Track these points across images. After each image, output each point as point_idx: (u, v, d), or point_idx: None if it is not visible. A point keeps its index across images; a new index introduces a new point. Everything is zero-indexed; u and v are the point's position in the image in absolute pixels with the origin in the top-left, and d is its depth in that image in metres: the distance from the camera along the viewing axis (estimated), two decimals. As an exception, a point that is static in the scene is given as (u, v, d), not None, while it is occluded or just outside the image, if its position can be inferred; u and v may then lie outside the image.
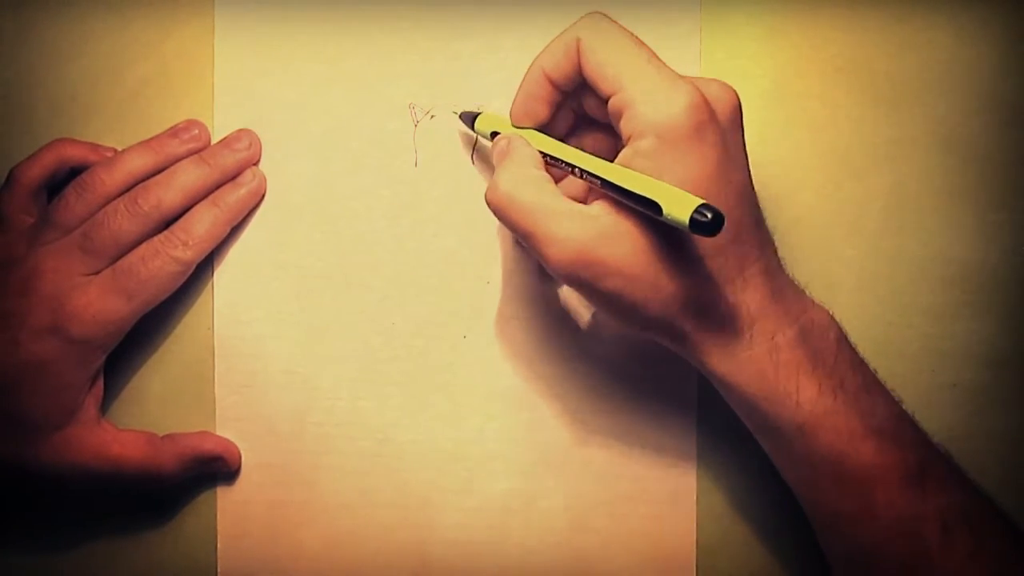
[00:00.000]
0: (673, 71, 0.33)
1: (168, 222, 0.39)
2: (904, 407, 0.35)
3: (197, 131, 0.41)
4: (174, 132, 0.41)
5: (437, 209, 0.41)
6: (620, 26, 0.34)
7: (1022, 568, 0.32)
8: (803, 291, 0.35)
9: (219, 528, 0.42)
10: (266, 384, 0.42)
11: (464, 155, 0.41)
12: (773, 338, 0.33)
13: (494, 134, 0.38)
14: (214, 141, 0.41)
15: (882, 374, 0.35)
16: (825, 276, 0.37)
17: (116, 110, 0.42)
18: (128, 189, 0.39)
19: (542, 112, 0.36)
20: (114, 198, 0.39)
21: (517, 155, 0.35)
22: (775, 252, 0.35)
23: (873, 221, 0.40)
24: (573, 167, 0.34)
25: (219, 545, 0.42)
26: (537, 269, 0.41)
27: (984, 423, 0.40)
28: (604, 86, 0.33)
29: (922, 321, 0.40)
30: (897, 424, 0.34)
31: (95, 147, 0.41)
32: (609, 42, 0.33)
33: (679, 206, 0.29)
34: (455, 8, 0.41)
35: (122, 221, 0.38)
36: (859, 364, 0.34)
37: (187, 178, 0.40)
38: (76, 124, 0.42)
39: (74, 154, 0.41)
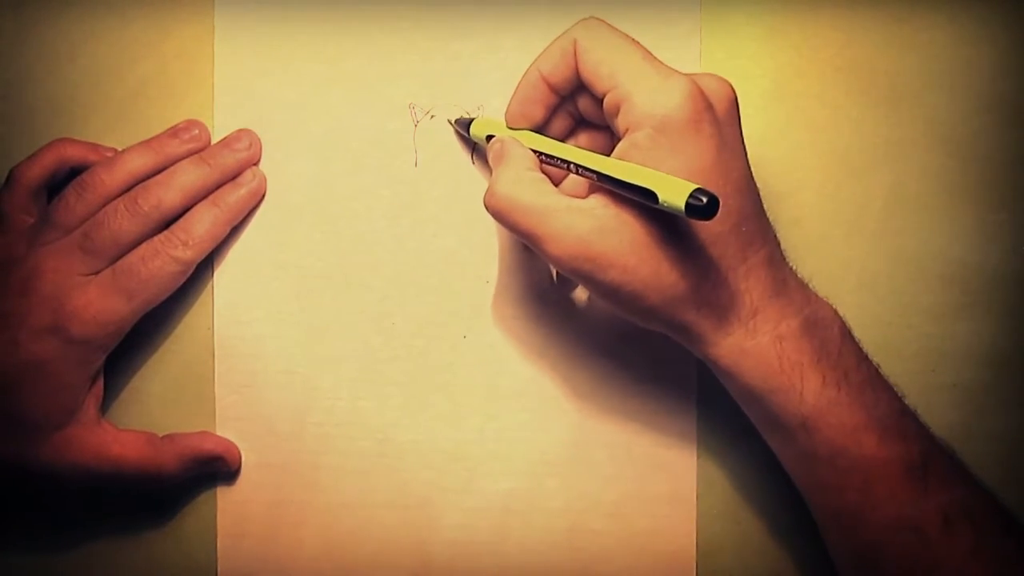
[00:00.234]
0: (669, 67, 0.33)
1: (168, 222, 0.39)
2: (907, 403, 0.35)
3: (197, 131, 0.41)
4: (174, 132, 0.41)
5: (437, 209, 0.41)
6: (615, 28, 0.34)
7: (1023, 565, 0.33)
8: (806, 284, 0.35)
9: (219, 528, 0.42)
10: (266, 384, 0.42)
11: (464, 155, 0.41)
12: (777, 328, 0.33)
13: (490, 137, 0.38)
14: (214, 141, 0.41)
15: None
16: (825, 276, 0.37)
17: (116, 110, 0.42)
18: (128, 189, 0.39)
19: (537, 114, 0.37)
20: (114, 198, 0.39)
21: (512, 157, 0.35)
22: (778, 244, 0.35)
23: (873, 221, 0.40)
24: (569, 163, 0.34)
25: (219, 545, 0.42)
26: (537, 269, 0.41)
27: (984, 423, 0.40)
28: (600, 84, 0.33)
29: (922, 321, 0.40)
30: (900, 418, 0.34)
31: (95, 147, 0.41)
32: (605, 42, 0.34)
33: (674, 192, 0.29)
34: (455, 8, 0.41)
35: (122, 221, 0.38)
36: (863, 358, 0.35)
37: (187, 178, 0.40)
38: (76, 124, 0.42)
39: (74, 154, 0.41)
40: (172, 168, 0.40)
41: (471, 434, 0.41)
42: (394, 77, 0.41)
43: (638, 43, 0.34)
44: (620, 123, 0.33)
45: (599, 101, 0.34)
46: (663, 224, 0.32)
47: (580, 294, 0.41)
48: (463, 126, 0.40)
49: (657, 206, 0.30)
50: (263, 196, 0.42)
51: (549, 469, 0.41)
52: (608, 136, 0.37)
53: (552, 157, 0.35)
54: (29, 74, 0.42)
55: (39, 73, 0.42)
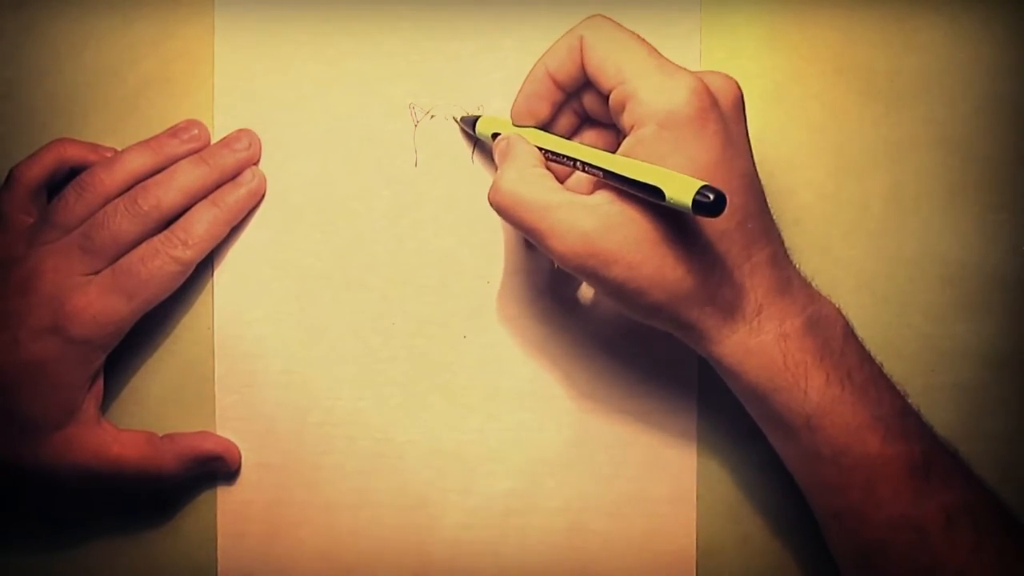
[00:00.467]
0: (675, 64, 0.33)
1: (168, 222, 0.39)
2: (909, 402, 0.35)
3: (197, 131, 0.41)
4: (174, 132, 0.41)
5: (437, 209, 0.41)
6: (622, 26, 0.34)
7: None
8: (810, 283, 0.35)
9: (219, 528, 0.42)
10: (266, 384, 0.42)
11: (464, 155, 0.41)
12: (781, 327, 0.33)
13: (495, 135, 0.38)
14: (214, 141, 0.41)
15: (882, 373, 0.35)
16: (825, 276, 0.37)
17: (116, 110, 0.42)
18: (128, 189, 0.39)
19: (543, 111, 0.37)
20: (114, 198, 0.39)
21: (517, 154, 0.35)
22: (782, 243, 0.35)
23: (873, 221, 0.40)
24: (574, 160, 0.34)
25: (219, 545, 0.42)
26: (537, 269, 0.41)
27: (984, 423, 0.40)
28: (606, 80, 0.34)
29: (922, 321, 0.40)
30: (903, 418, 0.34)
31: (95, 147, 0.41)
32: (611, 39, 0.34)
33: (681, 189, 0.29)
34: (455, 8, 0.41)
35: (122, 221, 0.38)
36: (866, 357, 0.35)
37: (187, 178, 0.40)
38: (76, 124, 0.42)
39: (74, 154, 0.41)
40: (172, 168, 0.40)
41: (471, 434, 0.41)
42: (394, 77, 0.41)
43: (644, 40, 0.34)
44: (626, 120, 0.33)
45: (605, 98, 0.34)
46: (668, 221, 0.32)
47: (580, 294, 0.41)
48: (468, 124, 0.40)
49: (663, 203, 0.30)
50: (263, 196, 0.42)
51: (549, 469, 0.41)
52: (613, 134, 0.37)
53: (558, 154, 0.35)
54: (30, 74, 0.42)
55: (40, 73, 0.42)
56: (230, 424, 0.42)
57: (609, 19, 0.34)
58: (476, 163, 0.41)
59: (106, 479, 0.39)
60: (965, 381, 0.40)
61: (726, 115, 0.33)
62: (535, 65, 0.36)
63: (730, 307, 0.33)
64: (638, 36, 0.34)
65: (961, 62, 0.40)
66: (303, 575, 0.42)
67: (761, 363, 0.33)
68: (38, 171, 0.40)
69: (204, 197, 0.40)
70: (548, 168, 0.35)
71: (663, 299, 0.33)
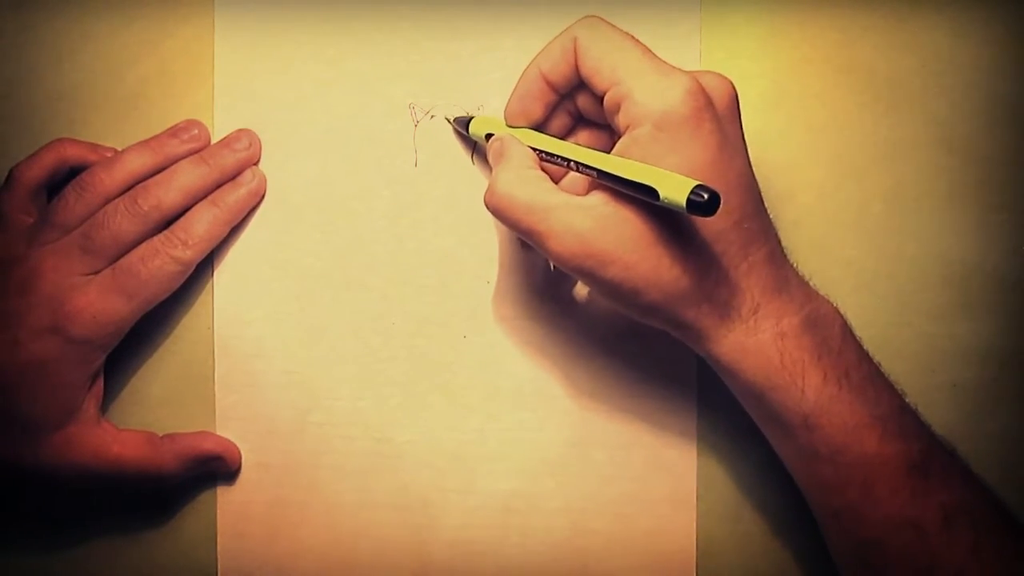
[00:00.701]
0: (669, 64, 0.33)
1: (168, 222, 0.39)
2: (907, 401, 0.35)
3: (197, 131, 0.41)
4: (174, 132, 0.41)
5: (437, 209, 0.41)
6: (616, 27, 0.34)
7: (1023, 563, 0.32)
8: (807, 282, 0.35)
9: (219, 528, 0.42)
10: (266, 384, 0.42)
11: (464, 155, 0.41)
12: (778, 325, 0.33)
13: (489, 136, 0.38)
14: (214, 141, 0.41)
15: (882, 373, 0.35)
16: (825, 276, 0.37)
17: (116, 110, 0.42)
18: (128, 189, 0.39)
19: (537, 112, 0.37)
20: (114, 198, 0.39)
21: (511, 155, 0.35)
22: (779, 242, 0.35)
23: (873, 221, 0.40)
24: (569, 161, 0.34)
25: (219, 545, 0.42)
26: (537, 269, 0.41)
27: (984, 423, 0.40)
28: (600, 81, 0.34)
29: (922, 321, 0.40)
30: (901, 416, 0.34)
31: (95, 147, 0.41)
32: (605, 40, 0.34)
33: (675, 189, 0.29)
34: (455, 8, 0.41)
35: (122, 221, 0.38)
36: (864, 356, 0.35)
37: (187, 178, 0.40)
38: (76, 124, 0.42)
39: (74, 154, 0.41)
40: (172, 168, 0.40)
41: (471, 434, 0.41)
42: (394, 77, 0.41)
43: (638, 41, 0.34)
44: (621, 120, 0.33)
45: (599, 99, 0.34)
46: (664, 221, 0.32)
47: (580, 294, 0.41)
48: (462, 124, 0.40)
49: (658, 203, 0.30)
50: (263, 196, 0.42)
51: (549, 469, 0.41)
52: (607, 135, 0.37)
53: (552, 155, 0.35)
54: (30, 74, 0.42)
55: (39, 73, 0.42)
56: (230, 424, 0.42)
57: (603, 20, 0.34)
58: (476, 163, 0.41)
59: (106, 479, 0.39)
60: (965, 381, 0.40)
61: (721, 115, 0.33)
62: (528, 66, 0.36)
63: (727, 306, 0.33)
64: (632, 37, 0.34)
65: (961, 62, 0.40)
66: (303, 575, 0.42)
67: (758, 362, 0.33)
68: (38, 171, 0.40)
69: (204, 197, 0.40)
70: (543, 169, 0.35)
71: (659, 299, 0.33)
